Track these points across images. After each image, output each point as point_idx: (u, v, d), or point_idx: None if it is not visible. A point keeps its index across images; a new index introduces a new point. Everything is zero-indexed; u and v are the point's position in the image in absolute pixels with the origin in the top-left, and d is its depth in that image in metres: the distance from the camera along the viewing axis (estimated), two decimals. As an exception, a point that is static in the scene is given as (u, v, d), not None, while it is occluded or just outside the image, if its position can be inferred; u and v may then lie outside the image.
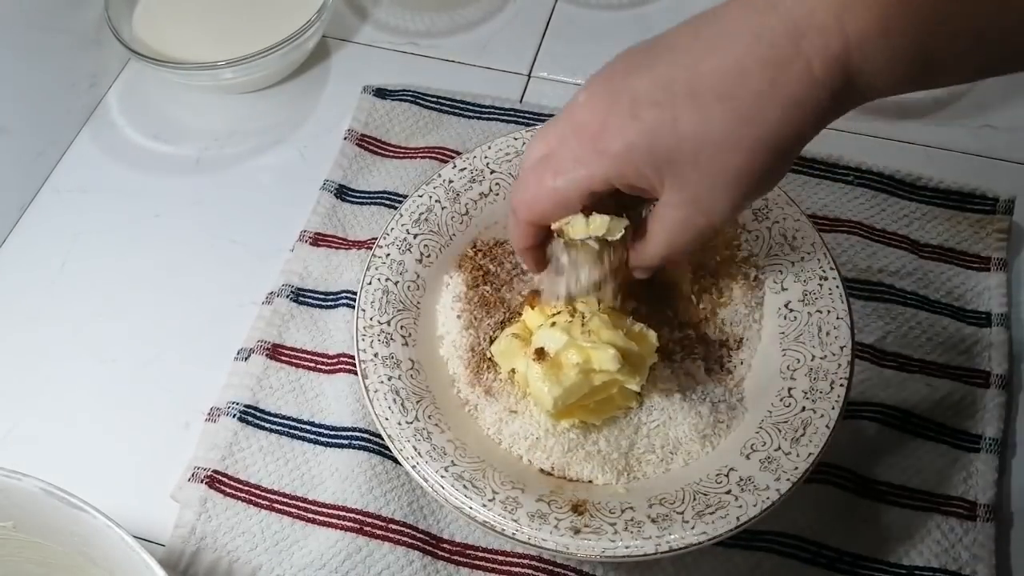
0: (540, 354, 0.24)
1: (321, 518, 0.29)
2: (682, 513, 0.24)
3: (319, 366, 0.33)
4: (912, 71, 0.18)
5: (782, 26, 0.18)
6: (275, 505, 0.30)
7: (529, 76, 0.41)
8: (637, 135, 0.19)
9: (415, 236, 0.29)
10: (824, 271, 0.28)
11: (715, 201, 0.20)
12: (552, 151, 0.21)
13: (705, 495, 0.24)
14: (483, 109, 0.39)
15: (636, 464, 0.26)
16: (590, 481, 0.26)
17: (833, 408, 0.25)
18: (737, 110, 0.18)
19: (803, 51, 0.18)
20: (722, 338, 0.28)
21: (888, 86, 0.18)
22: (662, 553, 0.23)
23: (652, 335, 0.25)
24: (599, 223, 0.22)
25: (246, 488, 0.30)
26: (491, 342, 0.28)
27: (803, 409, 0.25)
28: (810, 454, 0.24)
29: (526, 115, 0.39)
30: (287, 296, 0.34)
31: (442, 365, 0.28)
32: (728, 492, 0.24)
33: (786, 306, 0.28)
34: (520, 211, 0.22)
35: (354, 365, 0.28)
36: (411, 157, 0.38)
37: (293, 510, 0.29)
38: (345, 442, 0.30)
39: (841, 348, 0.26)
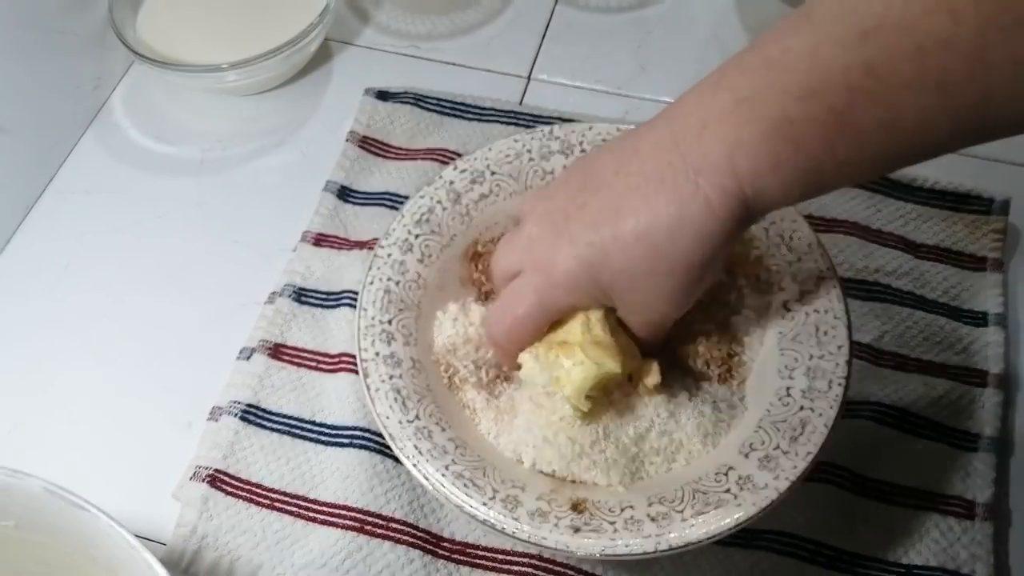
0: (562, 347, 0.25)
1: (322, 517, 0.29)
2: (681, 512, 0.24)
3: (321, 365, 0.33)
4: (805, 192, 0.21)
5: (683, 165, 0.21)
6: (276, 504, 0.30)
7: (529, 78, 0.42)
8: (580, 270, 0.23)
9: (416, 236, 0.30)
10: (821, 271, 0.28)
11: (655, 311, 0.24)
12: (514, 282, 0.25)
13: (704, 494, 0.24)
14: (484, 111, 0.39)
15: (639, 466, 0.26)
16: (594, 483, 0.26)
17: (831, 407, 0.25)
18: (654, 246, 0.22)
19: (702, 188, 0.21)
20: (730, 339, 0.28)
21: (782, 204, 0.21)
22: (661, 552, 0.23)
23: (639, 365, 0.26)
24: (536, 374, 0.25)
25: (247, 487, 0.30)
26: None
27: (801, 408, 0.25)
28: (809, 453, 0.24)
29: (526, 117, 0.39)
30: (289, 296, 0.34)
31: (442, 366, 0.28)
32: (727, 491, 0.24)
33: (784, 306, 0.28)
34: (501, 343, 0.26)
35: (355, 364, 0.28)
36: (412, 159, 0.38)
37: (294, 509, 0.30)
38: (346, 441, 0.31)
39: (839, 347, 0.26)
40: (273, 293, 0.35)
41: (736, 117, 0.20)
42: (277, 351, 0.33)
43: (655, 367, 0.26)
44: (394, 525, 0.29)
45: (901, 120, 0.19)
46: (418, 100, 0.40)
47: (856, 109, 0.19)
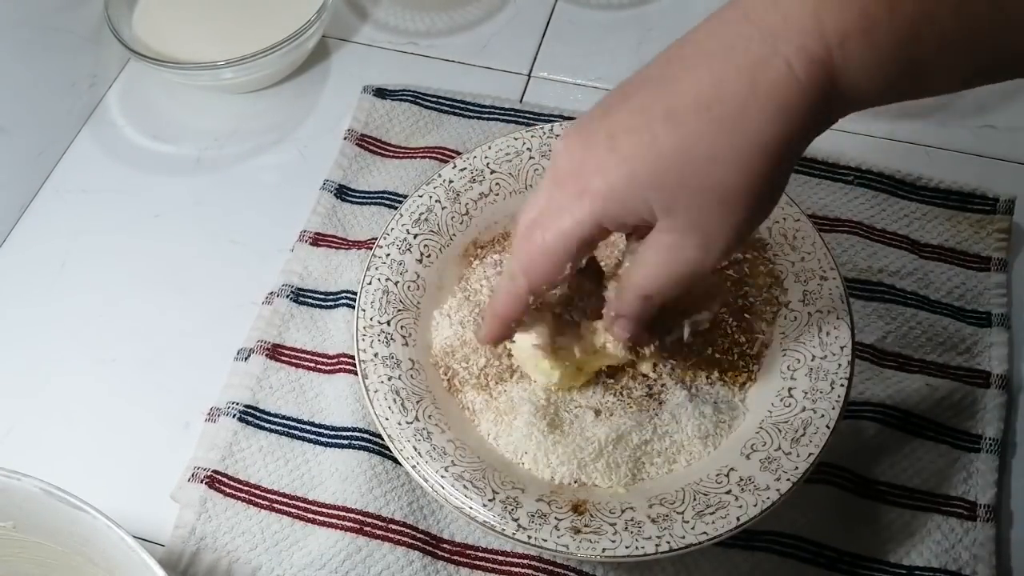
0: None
1: (321, 518, 0.29)
2: (682, 513, 0.24)
3: (319, 366, 0.33)
4: (899, 74, 0.17)
5: (757, 33, 0.17)
6: (275, 505, 0.30)
7: (529, 76, 0.41)
8: (617, 167, 0.18)
9: (415, 236, 0.29)
10: (824, 271, 0.27)
11: (711, 224, 0.18)
12: (541, 209, 0.20)
13: (705, 495, 0.24)
14: (483, 109, 0.39)
15: (641, 468, 0.26)
16: (594, 485, 0.26)
17: (833, 408, 0.25)
18: (718, 119, 0.17)
19: (781, 51, 0.16)
20: (738, 342, 0.28)
21: (875, 90, 0.17)
22: (662, 553, 0.23)
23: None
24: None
25: (246, 488, 0.30)
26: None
27: (803, 409, 0.25)
28: (810, 454, 0.24)
29: (526, 115, 0.39)
30: (287, 296, 0.34)
31: (441, 368, 0.28)
32: (728, 492, 0.24)
33: (786, 306, 0.28)
34: (519, 281, 0.21)
35: (354, 365, 0.28)
36: (411, 157, 0.38)
37: (293, 510, 0.29)
38: (345, 442, 0.30)
39: (841, 348, 0.26)
40: (271, 293, 0.35)
41: None
42: (275, 352, 0.33)
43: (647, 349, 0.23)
44: (393, 526, 0.28)
45: None
46: (417, 98, 0.39)
47: None
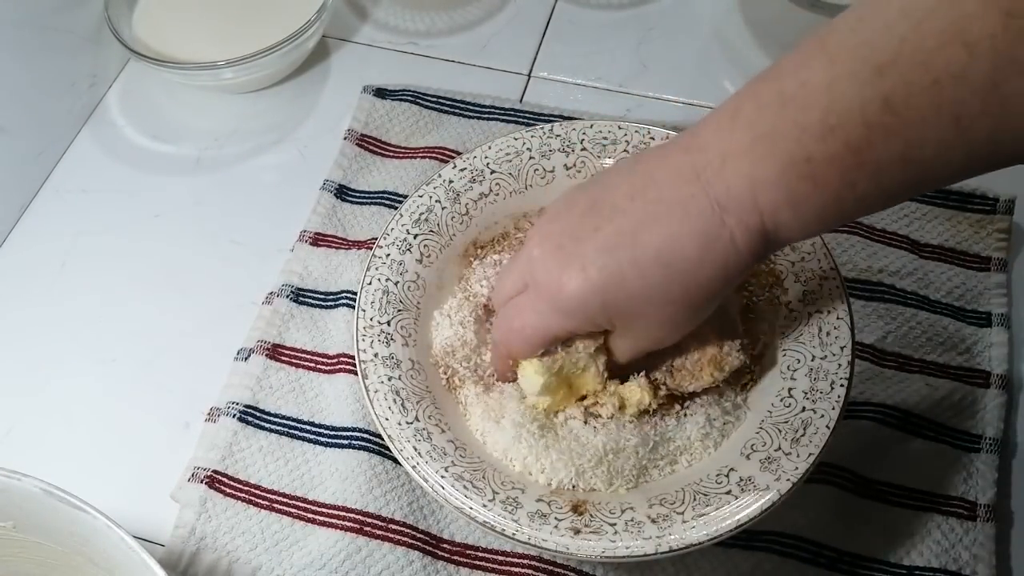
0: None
1: (321, 518, 0.29)
2: (682, 513, 0.24)
3: (319, 366, 0.33)
4: (824, 225, 0.21)
5: (707, 200, 0.21)
6: (275, 505, 0.30)
7: (529, 76, 0.41)
8: (591, 294, 0.23)
9: (415, 236, 0.29)
10: (824, 271, 0.27)
11: (658, 336, 0.24)
12: (517, 297, 0.25)
13: (705, 495, 0.24)
14: (483, 109, 0.39)
15: (644, 473, 0.26)
16: (593, 489, 0.26)
17: (833, 408, 0.25)
18: (673, 275, 0.22)
19: (727, 224, 0.21)
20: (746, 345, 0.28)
21: (803, 237, 0.22)
22: (662, 553, 0.23)
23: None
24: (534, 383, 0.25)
25: (246, 488, 0.30)
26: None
27: (803, 409, 0.25)
28: (810, 454, 0.24)
29: (526, 115, 0.39)
30: (287, 296, 0.34)
31: (441, 368, 0.28)
32: (728, 492, 0.24)
33: (786, 306, 0.28)
34: (499, 348, 0.26)
35: (354, 365, 0.28)
36: (411, 157, 0.38)
37: (293, 510, 0.29)
38: (345, 442, 0.30)
39: (841, 348, 0.26)
40: (271, 293, 0.35)
41: (755, 153, 0.20)
42: (275, 352, 0.33)
43: (642, 387, 0.25)
44: (393, 526, 0.28)
45: (918, 153, 0.19)
46: (417, 98, 0.39)
47: (874, 144, 0.19)
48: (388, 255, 0.29)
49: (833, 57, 0.19)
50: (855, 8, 0.19)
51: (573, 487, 0.25)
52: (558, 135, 0.31)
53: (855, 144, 0.19)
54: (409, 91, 0.40)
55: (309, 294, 0.34)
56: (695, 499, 0.24)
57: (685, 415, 0.26)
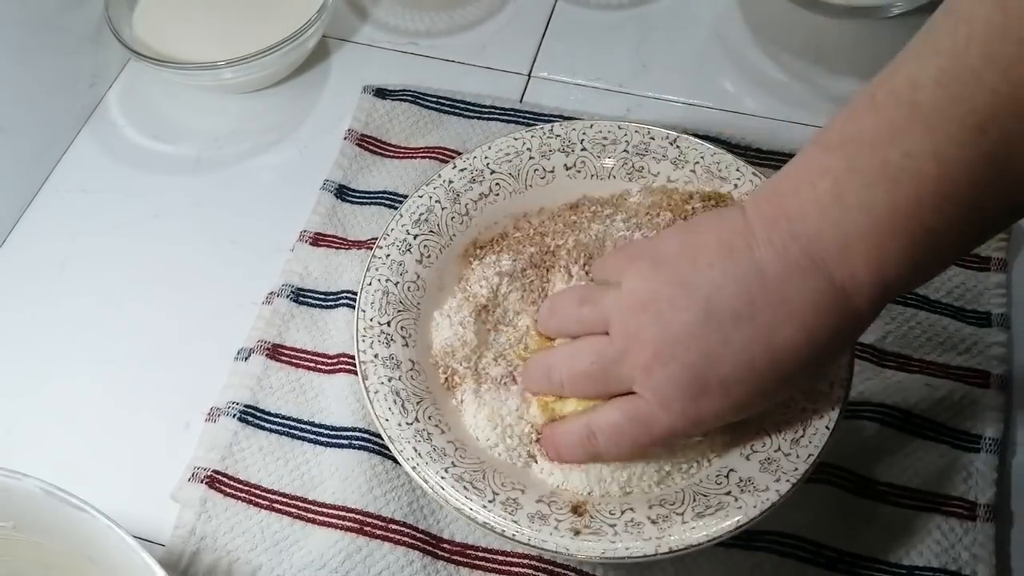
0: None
1: (321, 518, 0.29)
2: (682, 514, 0.24)
3: (319, 366, 0.33)
4: (939, 273, 0.22)
5: (832, 291, 0.21)
6: (275, 505, 0.30)
7: (529, 76, 0.41)
8: (732, 411, 0.23)
9: (415, 236, 0.29)
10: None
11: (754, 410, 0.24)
12: (622, 402, 0.24)
13: (705, 496, 0.24)
14: (483, 109, 0.39)
15: (667, 478, 0.26)
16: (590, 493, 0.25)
17: (833, 408, 0.25)
18: (809, 367, 0.22)
19: (856, 305, 0.21)
20: None
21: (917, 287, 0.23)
22: (662, 554, 0.23)
23: None
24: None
25: (246, 488, 0.30)
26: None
27: (803, 410, 0.25)
28: (810, 455, 0.24)
29: (526, 115, 0.39)
30: (287, 296, 0.34)
31: (440, 368, 0.28)
32: (728, 493, 0.24)
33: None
34: (599, 453, 0.25)
35: (354, 365, 0.28)
36: (411, 157, 0.38)
37: (293, 510, 0.29)
38: (345, 442, 0.30)
39: (841, 348, 0.26)
40: (271, 293, 0.35)
41: (877, 238, 0.20)
42: (275, 352, 0.33)
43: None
44: (394, 526, 0.28)
45: (1020, 195, 0.20)
46: (417, 98, 0.39)
47: (984, 200, 0.19)
48: (388, 255, 0.29)
49: (930, 122, 0.19)
50: (927, 52, 0.19)
51: (589, 492, 0.25)
52: (558, 135, 0.31)
53: (968, 204, 0.19)
54: (409, 91, 0.40)
55: (309, 294, 0.34)
56: (695, 500, 0.24)
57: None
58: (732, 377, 0.22)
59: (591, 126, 0.31)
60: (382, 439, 0.27)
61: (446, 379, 0.28)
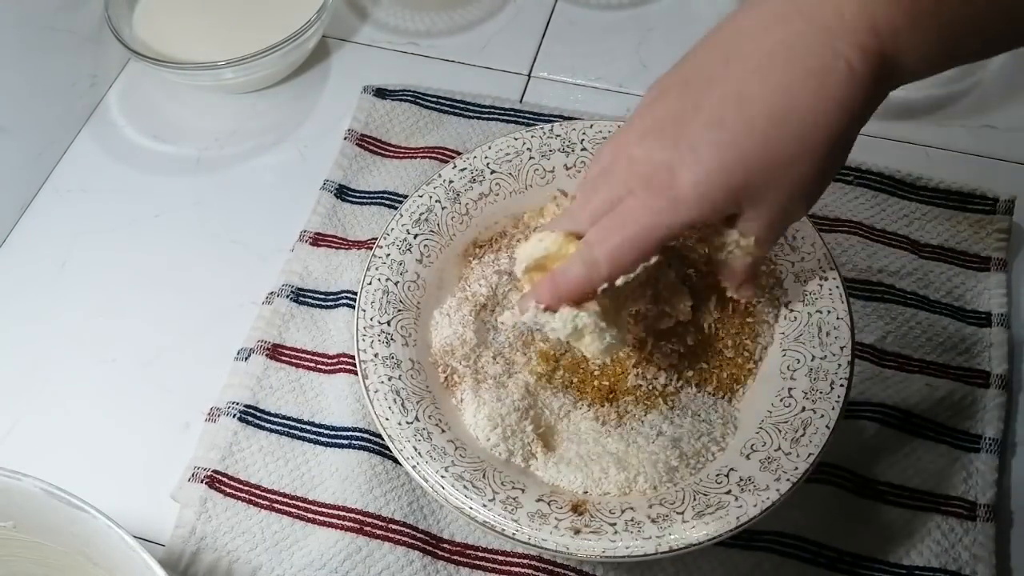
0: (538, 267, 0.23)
1: (321, 518, 0.29)
2: (682, 513, 0.24)
3: (319, 366, 0.33)
4: (945, 53, 0.19)
5: (814, 32, 0.18)
6: (275, 505, 0.30)
7: (529, 76, 0.41)
8: (708, 176, 0.20)
9: (415, 236, 0.29)
10: (824, 271, 0.27)
11: (795, 206, 0.21)
12: (621, 205, 0.22)
13: (705, 495, 0.24)
14: (483, 109, 0.39)
15: (673, 473, 0.26)
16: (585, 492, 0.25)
17: (833, 408, 0.25)
18: (794, 130, 0.19)
19: (842, 53, 0.18)
20: (741, 355, 0.27)
21: (924, 68, 0.19)
22: (662, 553, 0.23)
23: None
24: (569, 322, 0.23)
25: (246, 488, 0.30)
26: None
27: (803, 409, 0.25)
28: (810, 454, 0.24)
29: (526, 115, 0.39)
30: (287, 296, 0.34)
31: (440, 367, 0.28)
32: (728, 492, 0.24)
33: (786, 306, 0.28)
34: (600, 268, 0.22)
35: (354, 365, 0.28)
36: (411, 157, 0.38)
37: (293, 510, 0.29)
38: (345, 442, 0.30)
39: (841, 348, 0.26)
40: (271, 293, 0.35)
41: None
42: (275, 352, 0.33)
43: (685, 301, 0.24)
44: (394, 526, 0.28)
45: None
46: (417, 98, 0.39)
47: None
48: (388, 255, 0.29)
49: None
50: None
51: (585, 492, 0.25)
52: (558, 135, 0.31)
53: None
54: (409, 91, 0.40)
55: (309, 294, 0.34)
56: (695, 499, 0.24)
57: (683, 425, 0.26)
58: (701, 139, 0.20)
59: (591, 126, 0.31)
60: (382, 439, 0.27)
61: (446, 378, 0.28)
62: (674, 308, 0.25)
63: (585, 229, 0.23)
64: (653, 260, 0.22)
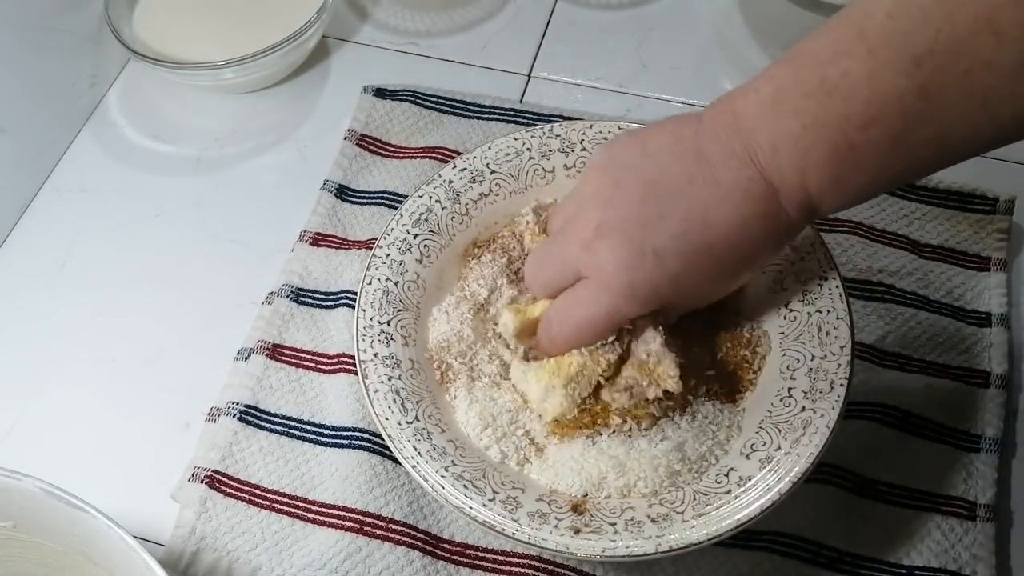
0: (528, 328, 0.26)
1: (321, 518, 0.29)
2: (682, 513, 0.24)
3: (319, 366, 0.33)
4: (859, 200, 0.24)
5: (763, 184, 0.23)
6: (275, 505, 0.30)
7: (529, 76, 0.41)
8: (667, 281, 0.24)
9: (415, 236, 0.29)
10: (824, 271, 0.28)
11: (711, 298, 0.26)
12: (573, 289, 0.25)
13: (705, 495, 0.24)
14: (483, 109, 0.39)
15: (677, 476, 0.25)
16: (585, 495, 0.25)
17: (833, 408, 0.25)
18: (742, 252, 0.24)
19: (783, 206, 0.23)
20: (740, 362, 0.27)
21: (841, 208, 0.24)
22: (662, 553, 0.23)
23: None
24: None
25: (246, 488, 0.30)
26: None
27: (803, 409, 0.25)
28: (810, 454, 0.24)
29: (526, 115, 0.39)
30: (287, 296, 0.34)
31: (435, 362, 0.28)
32: (728, 492, 0.24)
33: (786, 306, 0.28)
34: (558, 342, 0.26)
35: (354, 365, 0.28)
36: (411, 157, 0.38)
37: (293, 510, 0.29)
38: (345, 442, 0.30)
39: (841, 348, 0.26)
40: (271, 293, 0.35)
41: (804, 143, 0.22)
42: (275, 352, 0.33)
43: (672, 371, 0.25)
44: (394, 526, 0.28)
45: (950, 136, 0.21)
46: (417, 98, 0.39)
47: (911, 132, 0.21)
48: (388, 255, 0.29)
49: (872, 47, 0.20)
50: None
51: (586, 495, 0.25)
52: (558, 135, 0.31)
53: (894, 132, 0.21)
54: (409, 91, 0.40)
55: (309, 294, 0.34)
56: (695, 499, 0.24)
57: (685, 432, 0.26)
58: (667, 248, 0.23)
59: (591, 126, 0.31)
60: (382, 439, 0.27)
61: (441, 374, 0.28)
62: (660, 377, 0.25)
63: (540, 296, 0.26)
64: (611, 339, 0.25)
